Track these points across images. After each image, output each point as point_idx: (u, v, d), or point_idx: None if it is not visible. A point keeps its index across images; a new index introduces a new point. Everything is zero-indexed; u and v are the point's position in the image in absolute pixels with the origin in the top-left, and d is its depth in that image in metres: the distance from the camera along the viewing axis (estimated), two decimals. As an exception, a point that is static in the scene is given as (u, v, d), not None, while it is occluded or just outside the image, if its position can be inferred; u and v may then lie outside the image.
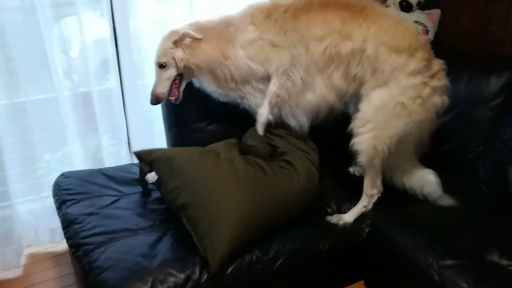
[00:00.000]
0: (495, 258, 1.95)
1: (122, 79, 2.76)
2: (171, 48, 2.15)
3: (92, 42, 2.65)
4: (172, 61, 2.17)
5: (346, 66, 2.15)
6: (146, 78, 2.82)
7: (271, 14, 2.15)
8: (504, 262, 1.93)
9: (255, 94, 2.26)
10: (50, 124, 2.67)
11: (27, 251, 2.72)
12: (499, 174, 2.35)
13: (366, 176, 2.27)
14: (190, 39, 2.14)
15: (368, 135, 2.16)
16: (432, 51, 2.24)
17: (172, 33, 2.18)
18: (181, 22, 2.41)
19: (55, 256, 2.71)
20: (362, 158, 2.21)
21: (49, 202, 2.67)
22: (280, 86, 2.17)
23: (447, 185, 2.36)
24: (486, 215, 2.21)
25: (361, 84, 2.18)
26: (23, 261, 2.65)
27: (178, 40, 2.14)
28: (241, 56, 2.16)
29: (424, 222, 2.16)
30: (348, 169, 2.61)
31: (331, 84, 2.19)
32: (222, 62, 2.17)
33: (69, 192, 2.32)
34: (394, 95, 2.13)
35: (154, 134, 2.94)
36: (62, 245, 2.75)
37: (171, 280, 1.87)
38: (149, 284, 1.83)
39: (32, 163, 2.72)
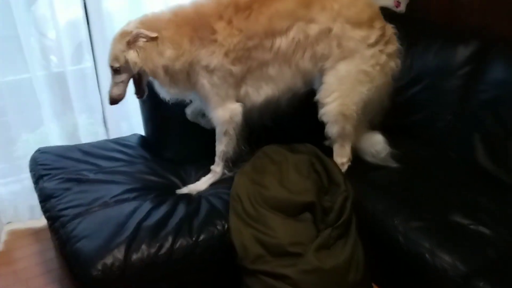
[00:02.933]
0: (458, 218, 2.03)
1: (95, 58, 2.78)
2: (123, 51, 2.04)
3: (65, 23, 2.67)
4: (126, 65, 2.06)
5: (313, 48, 2.21)
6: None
7: (232, 20, 2.10)
8: (466, 222, 2.01)
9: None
10: (26, 104, 2.70)
11: (7, 228, 2.76)
12: (466, 141, 2.42)
13: (335, 145, 2.35)
14: (145, 39, 2.02)
15: (335, 104, 2.23)
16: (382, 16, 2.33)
17: (123, 33, 2.05)
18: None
19: (35, 232, 2.75)
20: (333, 128, 2.28)
21: (28, 181, 2.70)
22: (227, 143, 2.27)
23: (417, 154, 2.48)
24: (452, 180, 2.28)
25: (326, 60, 2.24)
26: (3, 237, 2.69)
27: (132, 41, 2.01)
28: (203, 76, 2.15)
29: (391, 188, 2.23)
30: (324, 142, 2.66)
31: (298, 70, 2.24)
32: (182, 71, 2.12)
33: (45, 167, 2.36)
34: (357, 65, 2.21)
35: (129, 111, 2.97)
36: (41, 221, 2.77)
37: (145, 247, 1.91)
38: (123, 252, 1.87)
39: (10, 144, 2.75)
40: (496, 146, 2.29)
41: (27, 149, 2.76)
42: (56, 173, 2.30)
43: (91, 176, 2.30)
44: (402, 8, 2.99)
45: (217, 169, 2.35)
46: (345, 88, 2.22)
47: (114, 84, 2.14)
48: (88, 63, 2.77)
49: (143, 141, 2.67)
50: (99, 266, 1.83)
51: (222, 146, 2.30)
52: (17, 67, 2.63)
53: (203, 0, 2.16)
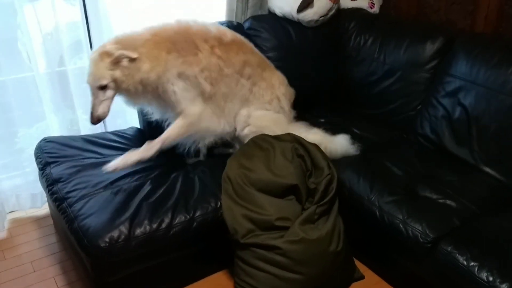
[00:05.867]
0: (427, 193, 2.28)
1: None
2: (110, 70, 2.13)
3: (65, 24, 2.80)
4: (112, 83, 2.16)
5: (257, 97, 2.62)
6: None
7: (215, 47, 2.41)
8: (434, 196, 2.26)
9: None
10: (28, 100, 2.84)
11: (10, 216, 2.91)
12: (434, 126, 2.66)
13: None
14: (127, 59, 2.15)
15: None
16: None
17: (103, 53, 2.13)
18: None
19: (37, 220, 2.91)
20: None
21: (30, 172, 2.87)
22: (180, 134, 2.38)
23: (390, 138, 2.76)
24: (421, 161, 2.53)
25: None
26: (6, 225, 2.83)
27: (115, 61, 2.12)
28: (174, 83, 2.31)
29: (366, 168, 2.46)
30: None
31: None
32: (154, 82, 2.26)
33: (51, 155, 2.51)
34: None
35: (125, 108, 3.10)
36: (42, 210, 2.96)
37: (147, 222, 2.11)
38: (128, 226, 2.07)
39: (12, 139, 2.90)
40: (461, 130, 2.54)
41: (27, 143, 2.92)
42: (63, 160, 2.47)
43: (96, 162, 2.46)
44: (376, 9, 3.25)
45: (153, 149, 2.32)
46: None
47: (99, 102, 2.18)
48: (87, 61, 2.92)
49: (139, 133, 2.85)
50: (107, 239, 2.02)
51: (174, 134, 2.36)
52: (21, 66, 2.79)
53: (189, 23, 2.42)
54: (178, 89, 2.32)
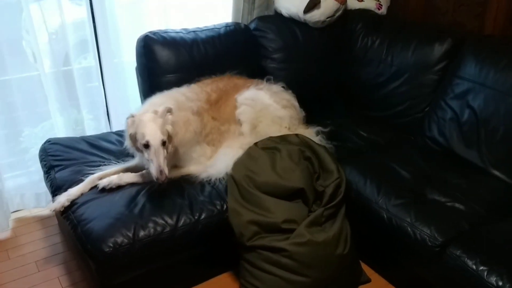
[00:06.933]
0: (435, 196, 2.25)
1: (100, 58, 2.91)
2: (163, 125, 2.17)
3: (71, 23, 2.80)
4: (167, 139, 2.18)
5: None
6: (122, 57, 3.02)
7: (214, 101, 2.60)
8: (443, 200, 2.23)
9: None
10: (34, 100, 2.84)
11: (14, 216, 2.90)
12: (442, 129, 2.64)
13: None
14: (170, 114, 2.21)
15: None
16: None
17: (154, 111, 2.18)
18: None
19: (41, 219, 2.90)
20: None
21: (34, 171, 2.86)
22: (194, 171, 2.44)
23: (396, 140, 2.73)
24: (429, 163, 2.50)
25: None
26: (11, 224, 2.82)
27: (163, 115, 2.18)
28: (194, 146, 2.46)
29: (373, 170, 2.44)
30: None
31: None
32: (189, 141, 2.40)
33: (56, 158, 2.48)
34: None
35: (131, 108, 3.11)
36: (47, 209, 2.91)
37: (151, 225, 2.09)
38: (132, 230, 2.05)
39: (17, 138, 2.89)
40: (469, 133, 2.51)
41: (32, 143, 2.91)
42: (67, 164, 2.43)
43: (99, 167, 2.41)
44: (383, 10, 3.23)
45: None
46: None
47: (163, 160, 2.13)
48: (93, 62, 2.92)
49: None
50: (110, 243, 1.99)
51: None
52: (26, 65, 2.79)
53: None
54: (195, 152, 2.44)
